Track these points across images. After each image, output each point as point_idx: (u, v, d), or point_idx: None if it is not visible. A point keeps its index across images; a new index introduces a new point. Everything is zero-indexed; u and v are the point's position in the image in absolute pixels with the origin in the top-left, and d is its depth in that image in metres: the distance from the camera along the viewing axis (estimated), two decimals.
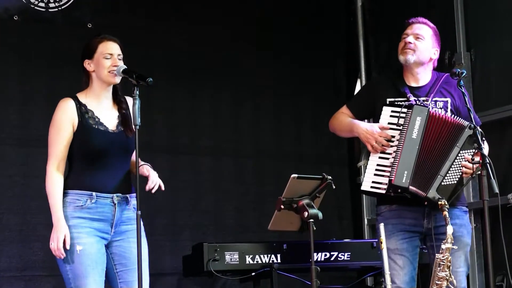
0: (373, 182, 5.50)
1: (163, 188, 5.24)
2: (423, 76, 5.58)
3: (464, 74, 5.25)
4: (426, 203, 5.39)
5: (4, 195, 7.09)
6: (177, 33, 8.19)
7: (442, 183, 5.37)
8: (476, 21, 7.90)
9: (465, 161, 5.36)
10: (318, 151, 8.12)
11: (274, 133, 8.55)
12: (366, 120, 5.90)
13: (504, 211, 6.31)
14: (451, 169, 5.41)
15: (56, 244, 5.10)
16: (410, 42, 5.54)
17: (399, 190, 5.37)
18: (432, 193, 5.33)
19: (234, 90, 8.42)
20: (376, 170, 5.50)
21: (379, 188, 5.47)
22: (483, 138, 5.33)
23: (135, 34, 7.40)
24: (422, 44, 5.54)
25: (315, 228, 5.25)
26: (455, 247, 5.08)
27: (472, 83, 7.82)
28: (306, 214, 5.21)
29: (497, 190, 5.13)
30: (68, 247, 5.12)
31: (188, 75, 8.04)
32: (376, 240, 6.29)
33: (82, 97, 5.33)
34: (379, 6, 8.89)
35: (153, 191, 5.23)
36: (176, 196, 7.35)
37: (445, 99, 5.55)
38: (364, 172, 5.75)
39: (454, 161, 5.40)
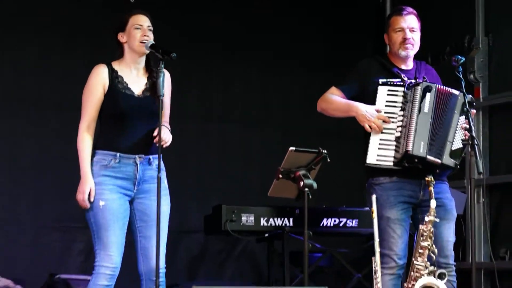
0: (378, 155, 5.65)
1: (167, 144, 5.41)
2: (409, 61, 5.81)
3: (462, 61, 5.48)
4: (438, 170, 5.55)
5: (48, 154, 7.58)
6: (213, 11, 8.43)
7: (452, 149, 5.58)
8: (496, 7, 8.09)
9: (463, 125, 5.56)
10: (339, 126, 7.94)
11: (302, 108, 8.64)
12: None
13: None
14: (456, 135, 5.61)
15: (82, 196, 5.41)
16: (409, 38, 5.74)
17: (416, 160, 5.51)
18: (446, 159, 5.54)
19: (266, 65, 8.62)
20: (380, 144, 5.65)
21: (385, 161, 5.62)
22: (473, 105, 5.61)
23: (173, 12, 7.71)
24: (416, 36, 5.78)
25: (310, 197, 5.49)
26: (437, 219, 5.27)
27: (489, 67, 8.01)
28: (301, 183, 5.49)
29: (481, 170, 5.34)
30: (92, 199, 5.44)
31: (221, 49, 8.27)
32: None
33: (115, 64, 5.61)
34: None
35: (155, 140, 5.35)
36: (206, 160, 7.59)
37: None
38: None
39: (456, 127, 5.60)
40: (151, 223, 5.48)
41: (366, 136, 5.72)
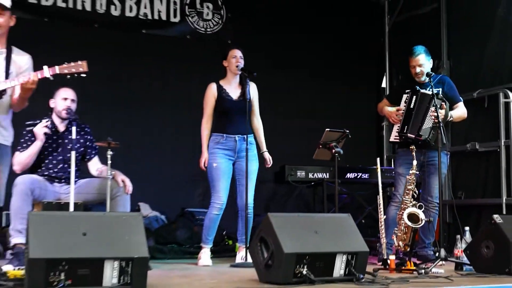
0: (394, 137, 5.86)
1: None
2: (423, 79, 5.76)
3: (431, 74, 5.51)
4: (420, 142, 5.58)
5: (186, 134, 7.44)
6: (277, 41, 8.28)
7: (423, 128, 5.60)
8: (454, 40, 7.90)
9: (432, 112, 5.50)
10: (362, 116, 8.31)
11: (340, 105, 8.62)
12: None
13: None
14: (426, 119, 5.58)
15: (201, 163, 5.78)
16: (418, 72, 5.77)
17: (403, 137, 5.70)
18: (418, 134, 5.61)
19: (298, 71, 8.41)
20: (396, 131, 5.83)
21: (397, 138, 5.82)
22: (442, 102, 5.57)
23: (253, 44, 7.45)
24: (424, 68, 5.76)
25: (339, 159, 5.87)
26: (417, 172, 5.35)
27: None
28: (333, 150, 5.84)
29: (445, 141, 5.42)
30: (207, 165, 5.75)
31: (275, 70, 8.04)
32: (387, 167, 7.03)
33: (221, 81, 5.91)
34: (402, 29, 8.71)
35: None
36: (277, 138, 7.08)
37: (438, 89, 5.69)
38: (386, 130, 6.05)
39: (427, 114, 5.58)
40: (246, 176, 5.70)
41: (391, 125, 5.95)
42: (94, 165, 5.68)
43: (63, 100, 5.47)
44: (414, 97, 5.72)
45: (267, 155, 5.97)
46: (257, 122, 6.05)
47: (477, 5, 7.73)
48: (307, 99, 8.63)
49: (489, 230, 4.74)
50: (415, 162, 5.34)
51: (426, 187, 5.87)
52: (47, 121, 5.46)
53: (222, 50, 6.04)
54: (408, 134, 5.71)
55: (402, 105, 5.82)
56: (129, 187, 5.39)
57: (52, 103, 5.57)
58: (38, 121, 5.47)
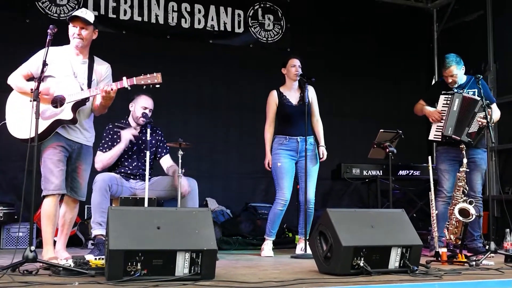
0: (434, 135, 5.67)
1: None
2: (459, 81, 5.67)
3: (480, 77, 5.37)
4: (461, 144, 5.36)
5: (248, 137, 7.59)
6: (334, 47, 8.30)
7: (469, 131, 5.50)
8: (499, 45, 7.86)
9: (480, 118, 5.44)
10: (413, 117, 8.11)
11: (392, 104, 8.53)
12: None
13: None
14: (473, 123, 5.49)
15: (266, 163, 5.77)
16: (451, 82, 5.65)
17: (447, 137, 5.55)
18: (463, 137, 5.48)
19: (353, 77, 8.37)
20: (435, 130, 5.66)
21: (437, 138, 5.65)
22: (490, 106, 5.46)
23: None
24: (457, 77, 5.63)
25: (392, 157, 5.81)
26: (467, 170, 5.18)
27: (496, 80, 7.83)
28: (387, 150, 5.79)
29: (493, 141, 5.36)
30: (271, 165, 5.72)
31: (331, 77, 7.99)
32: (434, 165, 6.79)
33: (281, 88, 5.89)
34: (450, 35, 8.68)
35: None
36: (336, 138, 7.21)
37: (474, 90, 5.61)
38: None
39: (474, 118, 5.48)
40: (308, 174, 5.66)
41: (431, 124, 5.74)
42: (166, 163, 5.67)
43: (142, 108, 5.52)
44: (457, 100, 5.58)
45: (322, 149, 5.85)
46: (317, 122, 5.98)
47: None
48: (362, 101, 8.59)
49: None
50: (465, 160, 5.20)
51: (468, 183, 5.52)
52: (135, 129, 5.55)
53: (283, 59, 5.99)
54: (453, 136, 5.57)
55: (441, 105, 5.67)
56: (186, 187, 5.35)
57: (131, 106, 5.63)
58: (122, 123, 5.56)
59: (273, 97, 5.91)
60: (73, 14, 4.60)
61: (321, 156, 5.86)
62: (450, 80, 5.70)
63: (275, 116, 5.90)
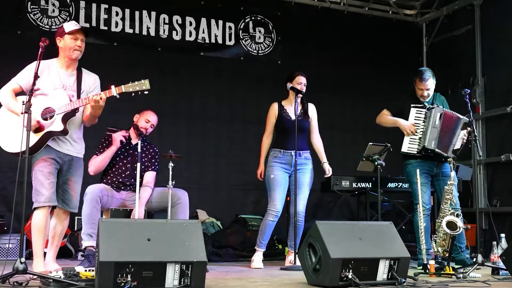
0: (408, 148, 5.69)
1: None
2: (427, 98, 5.75)
3: (468, 92, 5.36)
4: (443, 159, 5.57)
5: (239, 149, 7.61)
6: (327, 63, 8.24)
7: (454, 148, 5.64)
8: (487, 59, 7.90)
9: (463, 135, 5.61)
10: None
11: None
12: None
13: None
14: (457, 141, 5.62)
15: (258, 173, 5.79)
16: (425, 95, 5.73)
17: (429, 151, 5.58)
18: (449, 154, 5.58)
19: (341, 90, 8.40)
20: (409, 142, 5.70)
21: (412, 150, 5.67)
22: (471, 124, 5.40)
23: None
24: (430, 91, 5.75)
25: (381, 170, 5.78)
26: (454, 183, 5.26)
27: (484, 94, 7.84)
28: (376, 162, 5.75)
29: (481, 154, 5.50)
30: (264, 176, 5.73)
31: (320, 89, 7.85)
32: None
33: (283, 101, 5.89)
34: (439, 48, 8.75)
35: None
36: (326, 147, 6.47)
37: (440, 106, 5.70)
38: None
39: (458, 136, 5.61)
40: (299, 187, 5.68)
41: (404, 137, 5.75)
42: (145, 177, 5.55)
43: (146, 122, 5.61)
44: (438, 114, 5.63)
45: (326, 166, 5.89)
46: (317, 138, 6.00)
47: (509, 26, 7.67)
48: (351, 115, 8.60)
49: None
50: (453, 174, 5.24)
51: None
52: (126, 132, 5.63)
53: (289, 73, 5.97)
54: (436, 150, 5.60)
55: (413, 118, 5.73)
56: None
57: (135, 117, 5.70)
58: (118, 128, 5.63)
59: (274, 109, 5.93)
60: (75, 28, 4.62)
61: (327, 173, 5.90)
62: (425, 94, 5.75)
63: (273, 128, 5.93)
